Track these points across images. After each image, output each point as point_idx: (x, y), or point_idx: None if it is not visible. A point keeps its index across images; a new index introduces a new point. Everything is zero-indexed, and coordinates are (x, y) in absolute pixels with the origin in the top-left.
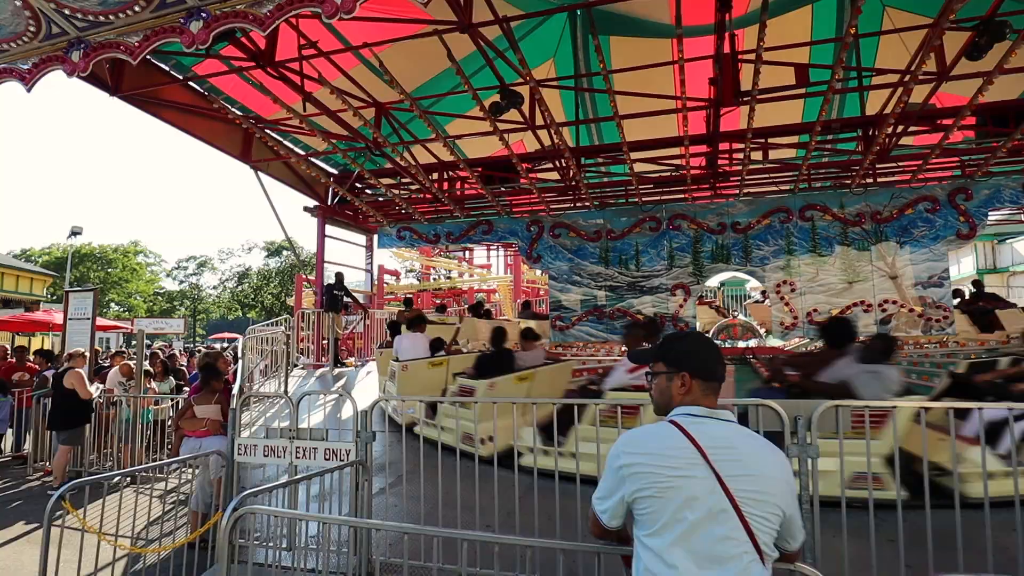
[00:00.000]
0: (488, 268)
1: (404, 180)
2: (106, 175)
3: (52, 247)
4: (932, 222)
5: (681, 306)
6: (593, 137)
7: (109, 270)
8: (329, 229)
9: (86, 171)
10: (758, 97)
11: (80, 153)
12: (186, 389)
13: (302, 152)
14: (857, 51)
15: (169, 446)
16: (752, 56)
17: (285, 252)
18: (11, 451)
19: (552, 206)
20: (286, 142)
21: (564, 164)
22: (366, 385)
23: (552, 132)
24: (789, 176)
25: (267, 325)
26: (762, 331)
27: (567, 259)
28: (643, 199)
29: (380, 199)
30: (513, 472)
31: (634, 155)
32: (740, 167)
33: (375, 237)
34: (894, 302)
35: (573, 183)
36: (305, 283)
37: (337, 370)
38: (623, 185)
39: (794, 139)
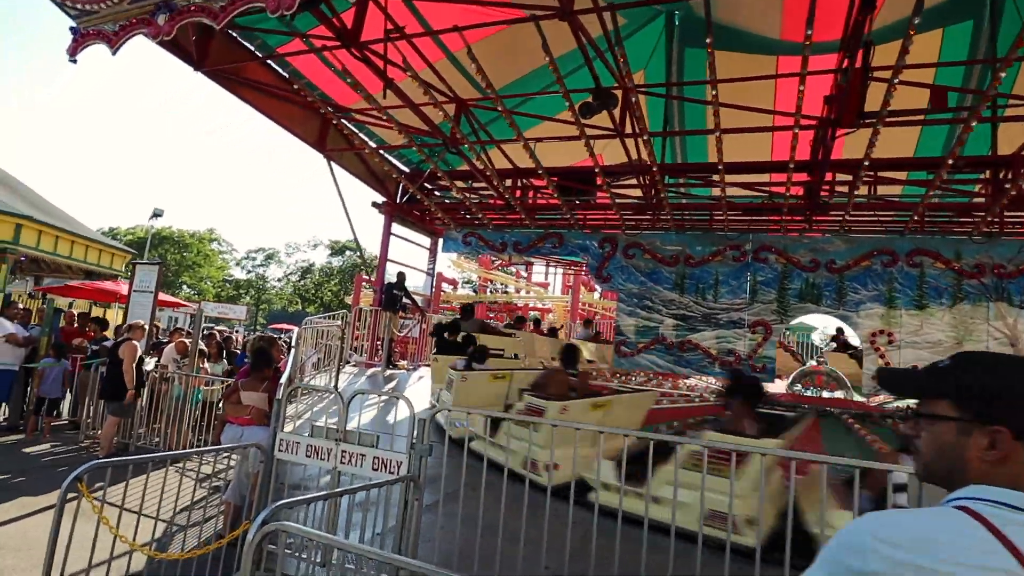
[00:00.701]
0: (546, 287)
1: (476, 184)
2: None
3: (137, 228)
4: None
5: (760, 345)
6: (676, 155)
7: (185, 253)
8: (395, 228)
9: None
10: (887, 120)
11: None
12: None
13: (376, 145)
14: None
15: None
16: (887, 73)
17: (348, 252)
18: (68, 415)
19: (627, 225)
20: (362, 134)
21: (648, 181)
22: (417, 390)
23: (640, 143)
24: (898, 216)
25: (324, 318)
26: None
27: (639, 282)
28: (729, 226)
29: (448, 201)
30: (573, 506)
31: (729, 178)
32: (845, 200)
33: (440, 241)
34: None
35: (654, 201)
36: (365, 283)
37: (389, 371)
38: (708, 209)
39: (903, 175)
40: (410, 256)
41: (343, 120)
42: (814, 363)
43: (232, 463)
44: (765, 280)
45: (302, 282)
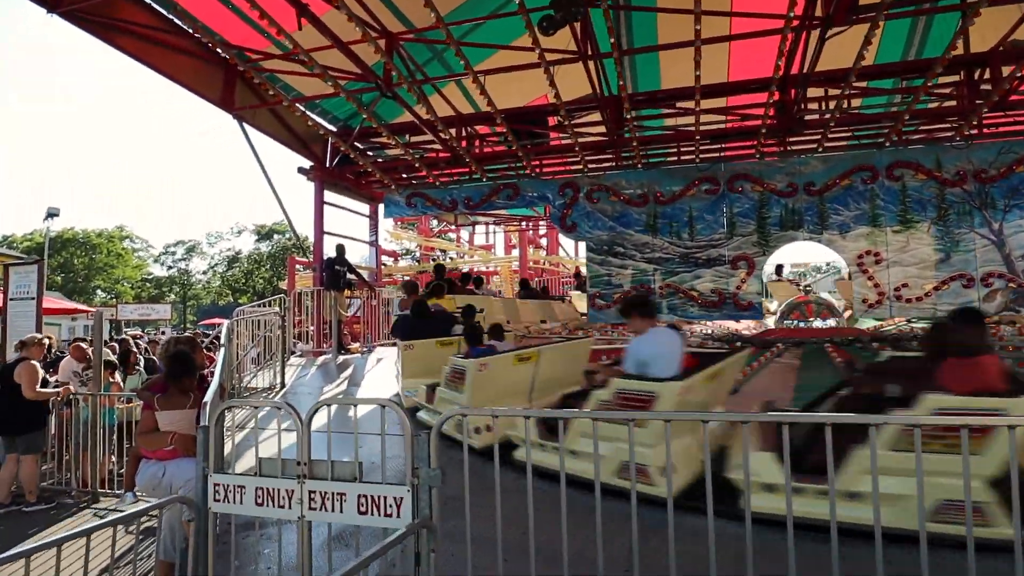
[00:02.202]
0: (490, 249)
1: (417, 138)
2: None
3: (34, 233)
4: None
5: (744, 281)
6: (628, 83)
7: (94, 256)
8: (328, 195)
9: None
10: (889, 12)
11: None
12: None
13: (295, 98)
14: None
15: None
16: None
17: (276, 236)
18: None
19: (589, 167)
20: (277, 87)
21: (610, 115)
22: (379, 378)
23: (601, 71)
24: (878, 128)
25: (258, 306)
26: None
27: (607, 227)
28: (699, 157)
29: (385, 160)
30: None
31: (705, 103)
32: (827, 115)
33: (380, 206)
34: (1000, 275)
35: (618, 138)
36: (300, 266)
37: (341, 358)
38: (675, 141)
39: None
40: (348, 226)
41: (252, 69)
42: (802, 293)
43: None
44: (742, 211)
45: (230, 272)
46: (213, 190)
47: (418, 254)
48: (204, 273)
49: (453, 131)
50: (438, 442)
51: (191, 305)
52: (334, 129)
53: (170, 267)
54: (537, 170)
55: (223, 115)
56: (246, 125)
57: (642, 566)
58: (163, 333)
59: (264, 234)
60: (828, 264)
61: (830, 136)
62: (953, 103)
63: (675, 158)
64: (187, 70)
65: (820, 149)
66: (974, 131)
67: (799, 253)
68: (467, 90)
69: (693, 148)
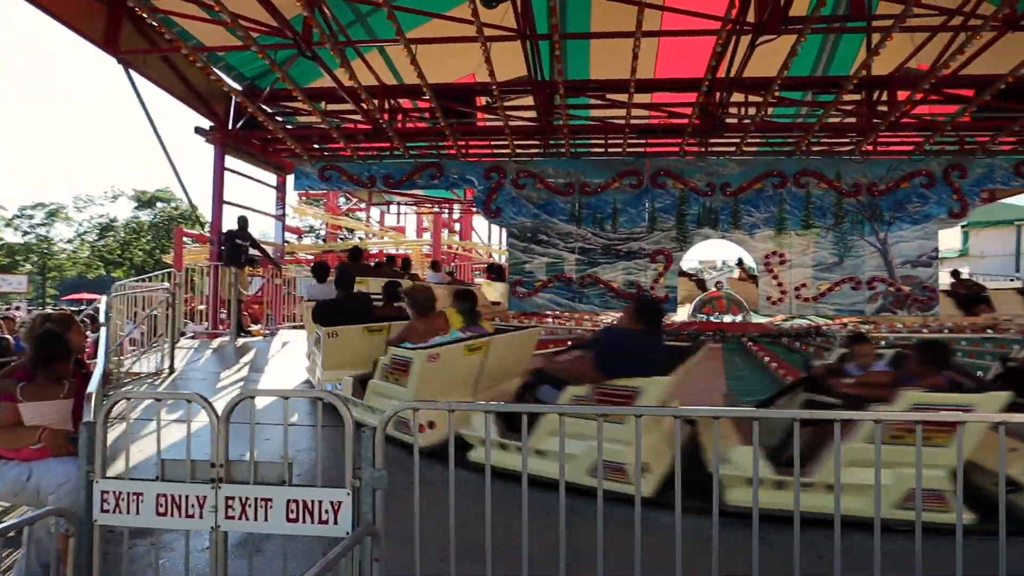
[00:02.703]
0: (402, 231)
1: (332, 108)
2: None
3: None
4: (926, 198)
5: (661, 275)
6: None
7: None
8: (229, 161)
9: None
10: (813, 28)
11: None
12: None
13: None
14: None
15: None
16: None
17: (160, 204)
18: None
19: (517, 151)
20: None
21: (542, 100)
22: (286, 365)
23: (534, 55)
24: (786, 137)
25: (142, 281)
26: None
27: (532, 214)
28: (626, 150)
29: (296, 127)
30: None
31: (637, 97)
32: (747, 121)
33: (290, 177)
34: (883, 280)
35: (547, 124)
36: (188, 239)
37: (241, 341)
38: (603, 132)
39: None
40: (251, 197)
41: (144, 7)
42: (713, 289)
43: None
44: (663, 207)
45: (102, 242)
46: (86, 147)
47: (323, 232)
48: (69, 242)
49: (376, 102)
50: (383, 439)
51: (52, 277)
52: (239, 87)
53: (26, 233)
54: (464, 151)
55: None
56: (133, 73)
57: (612, 565)
58: (17, 309)
59: (145, 201)
60: (724, 263)
61: (747, 141)
62: (853, 120)
63: (602, 149)
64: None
65: (738, 152)
66: (869, 148)
67: (706, 251)
68: (390, 59)
69: (621, 141)
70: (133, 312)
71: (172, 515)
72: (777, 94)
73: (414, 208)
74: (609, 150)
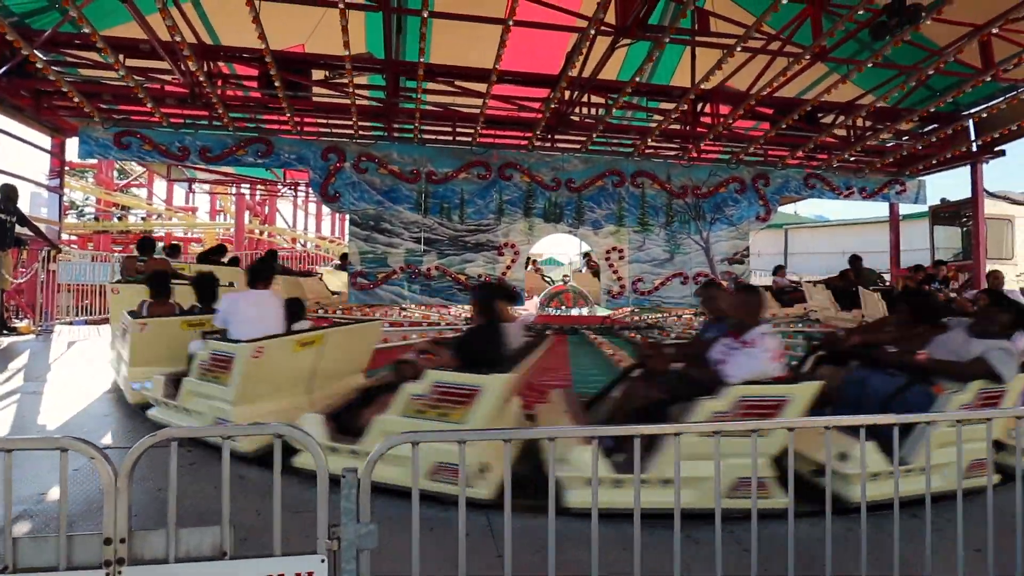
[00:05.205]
0: (193, 211)
1: (136, 62)
2: None
3: None
4: (739, 202)
5: (509, 267)
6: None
7: None
8: None
9: None
10: (674, 36)
11: None
12: None
13: None
14: None
15: None
16: None
17: None
18: None
19: (360, 133)
20: None
21: (392, 81)
22: (78, 371)
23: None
24: (626, 138)
25: None
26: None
27: (374, 201)
28: (477, 140)
29: (82, 81)
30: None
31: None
32: (593, 120)
33: (71, 141)
34: (705, 275)
35: (395, 106)
36: None
37: (5, 341)
38: (454, 119)
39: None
40: (11, 162)
41: None
42: (560, 283)
43: None
44: (511, 199)
45: None
46: None
47: (91, 210)
48: None
49: (195, 63)
50: (369, 484)
51: None
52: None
53: None
54: (299, 128)
55: None
56: None
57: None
58: None
59: None
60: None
61: (594, 139)
62: (688, 128)
63: (451, 138)
64: None
65: (582, 150)
66: (694, 154)
67: (552, 245)
68: (207, 17)
69: (472, 131)
70: None
71: None
72: (624, 99)
73: (207, 188)
74: (458, 139)
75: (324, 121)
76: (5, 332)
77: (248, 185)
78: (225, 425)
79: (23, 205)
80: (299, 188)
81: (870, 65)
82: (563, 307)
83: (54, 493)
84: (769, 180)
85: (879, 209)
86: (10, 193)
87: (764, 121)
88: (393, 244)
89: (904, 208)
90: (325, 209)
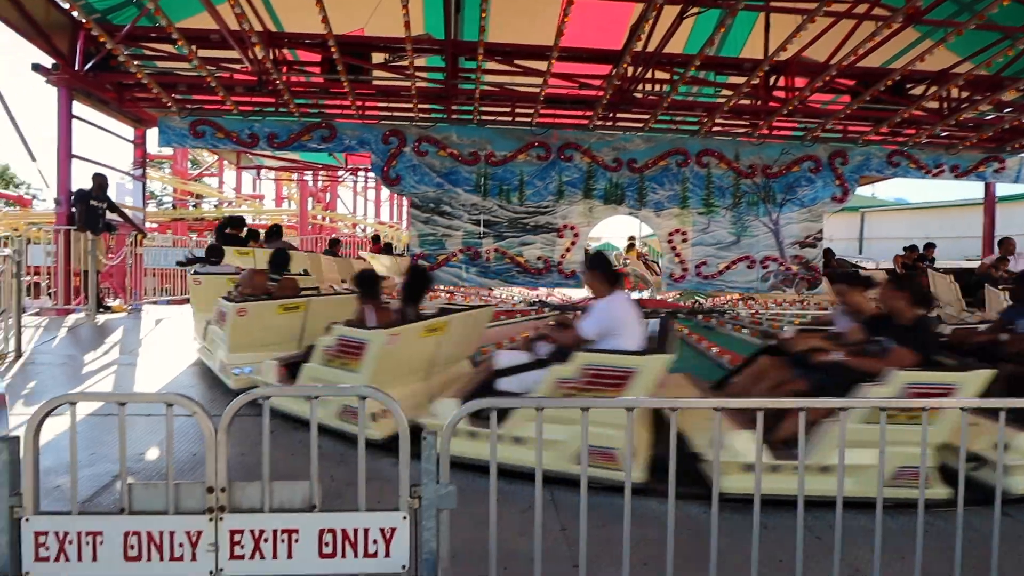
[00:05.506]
0: (260, 199)
1: (208, 53)
2: None
3: None
4: (813, 182)
5: (568, 250)
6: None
7: None
8: (76, 108)
9: None
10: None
11: None
12: None
13: None
14: None
15: None
16: None
17: None
18: None
19: (420, 115)
20: None
21: (452, 62)
22: (167, 346)
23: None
24: (691, 116)
25: None
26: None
27: (435, 183)
28: (536, 120)
29: (159, 72)
30: None
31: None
32: (657, 97)
33: (151, 132)
34: (774, 259)
35: (455, 88)
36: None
37: (102, 318)
38: (513, 99)
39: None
40: (99, 151)
41: None
42: (620, 266)
43: None
44: (571, 180)
45: None
46: None
47: (169, 199)
48: None
49: (263, 50)
50: (446, 444)
51: None
52: (91, 20)
53: None
54: (361, 112)
55: None
56: None
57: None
58: None
59: None
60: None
61: (657, 118)
62: (749, 102)
63: (510, 118)
64: None
65: (645, 129)
66: (765, 132)
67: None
68: (270, 3)
69: (531, 111)
70: None
71: (148, 559)
72: (691, 74)
73: (273, 176)
74: (517, 119)
75: (385, 104)
76: (101, 310)
77: (311, 172)
78: (315, 387)
79: (110, 194)
80: (359, 173)
81: (972, 27)
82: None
83: (152, 453)
84: (848, 158)
85: (970, 190)
86: (101, 182)
87: (844, 94)
88: (453, 226)
89: (1002, 188)
90: (383, 195)
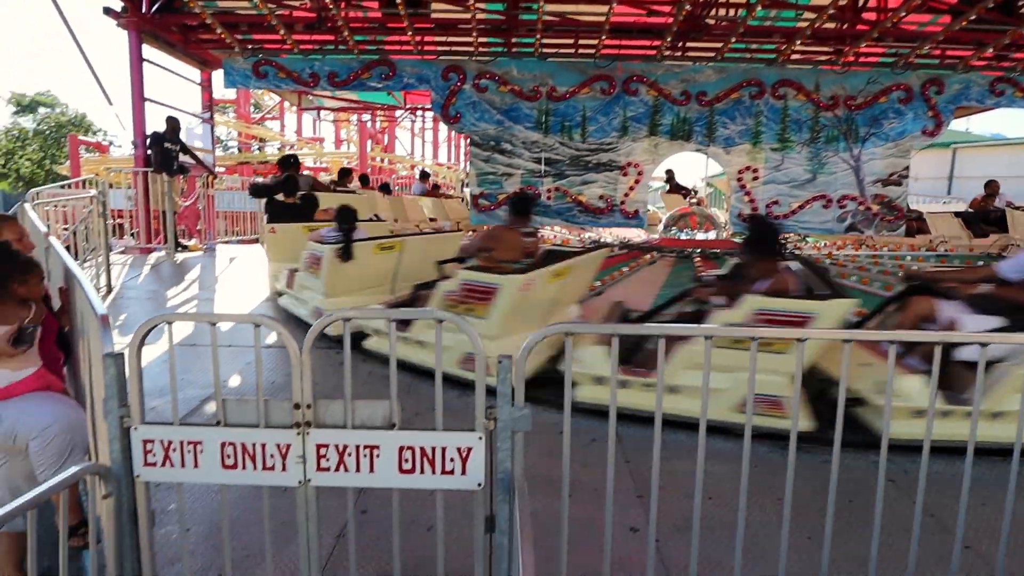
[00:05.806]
0: (321, 141)
1: None
2: None
3: None
4: (902, 115)
5: (632, 189)
6: None
7: None
8: (146, 52)
9: None
10: None
11: None
12: None
13: None
14: None
15: None
16: None
17: (43, 109)
18: None
19: (480, 50)
20: None
21: None
22: (243, 282)
23: None
24: (768, 43)
25: (62, 187)
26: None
27: (495, 121)
28: (600, 52)
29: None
30: None
31: None
32: (729, 24)
33: (216, 73)
34: (853, 198)
35: (516, 19)
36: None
37: (180, 257)
38: (576, 29)
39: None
40: (168, 94)
41: None
42: (690, 204)
43: None
44: (636, 116)
45: None
46: None
47: (234, 143)
48: None
49: None
50: (521, 367)
51: None
52: None
53: None
54: (420, 47)
55: None
56: None
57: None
58: None
59: (25, 105)
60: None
61: (731, 46)
62: (833, 25)
63: (572, 51)
64: None
65: (717, 59)
66: (850, 59)
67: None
68: None
69: (595, 42)
70: (60, 226)
71: (243, 467)
72: None
73: (332, 118)
74: (580, 51)
75: (444, 39)
76: (179, 248)
77: (369, 113)
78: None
79: (182, 137)
80: (417, 113)
81: None
82: (688, 231)
83: (234, 380)
84: (944, 87)
85: None
86: (174, 125)
87: (944, 14)
88: (513, 165)
89: None
90: (441, 136)
